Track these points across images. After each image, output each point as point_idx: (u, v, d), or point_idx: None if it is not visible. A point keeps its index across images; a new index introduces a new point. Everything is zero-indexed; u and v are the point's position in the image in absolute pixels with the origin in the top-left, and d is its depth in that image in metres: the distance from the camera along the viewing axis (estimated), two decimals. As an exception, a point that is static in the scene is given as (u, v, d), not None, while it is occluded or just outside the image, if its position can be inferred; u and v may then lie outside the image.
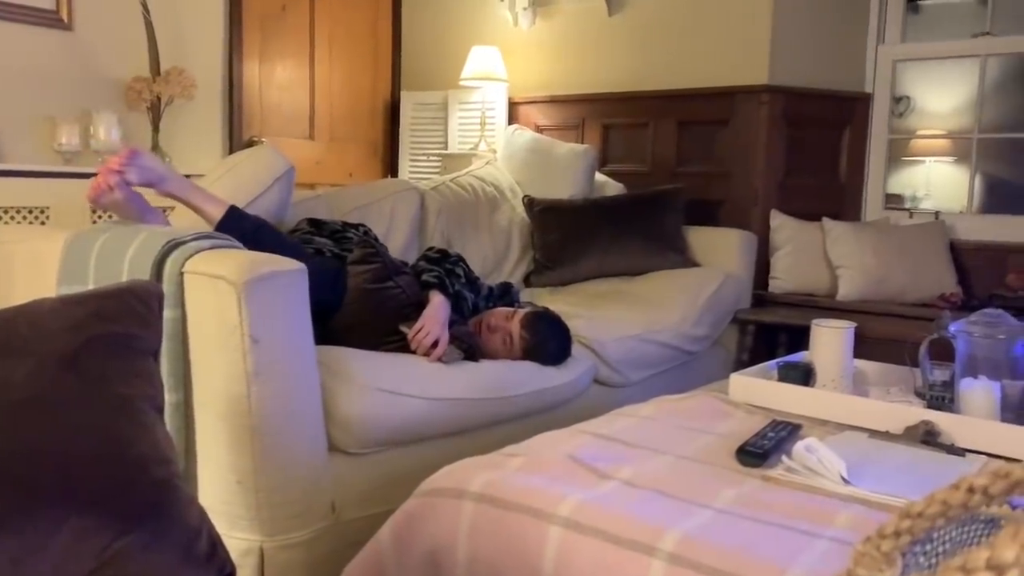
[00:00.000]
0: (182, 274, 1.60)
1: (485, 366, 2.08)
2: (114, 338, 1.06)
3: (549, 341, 2.23)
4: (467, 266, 2.32)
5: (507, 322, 2.20)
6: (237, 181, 2.20)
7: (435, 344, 1.99)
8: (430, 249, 2.35)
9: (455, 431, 1.97)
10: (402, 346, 2.01)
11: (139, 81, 3.65)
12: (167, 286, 1.59)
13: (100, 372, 1.02)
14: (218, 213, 1.98)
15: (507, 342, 2.19)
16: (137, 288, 1.12)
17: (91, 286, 1.69)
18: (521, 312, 2.25)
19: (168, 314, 1.56)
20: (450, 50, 4.30)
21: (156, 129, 3.72)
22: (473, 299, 2.30)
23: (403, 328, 2.02)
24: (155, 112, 3.71)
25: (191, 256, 1.61)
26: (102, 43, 3.61)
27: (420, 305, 2.06)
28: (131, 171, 1.90)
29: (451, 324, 2.09)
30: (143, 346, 1.10)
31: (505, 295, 2.47)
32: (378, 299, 2.02)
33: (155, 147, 3.72)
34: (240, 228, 1.92)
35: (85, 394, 1.00)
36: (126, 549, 0.95)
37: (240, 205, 2.06)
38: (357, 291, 2.02)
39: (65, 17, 3.50)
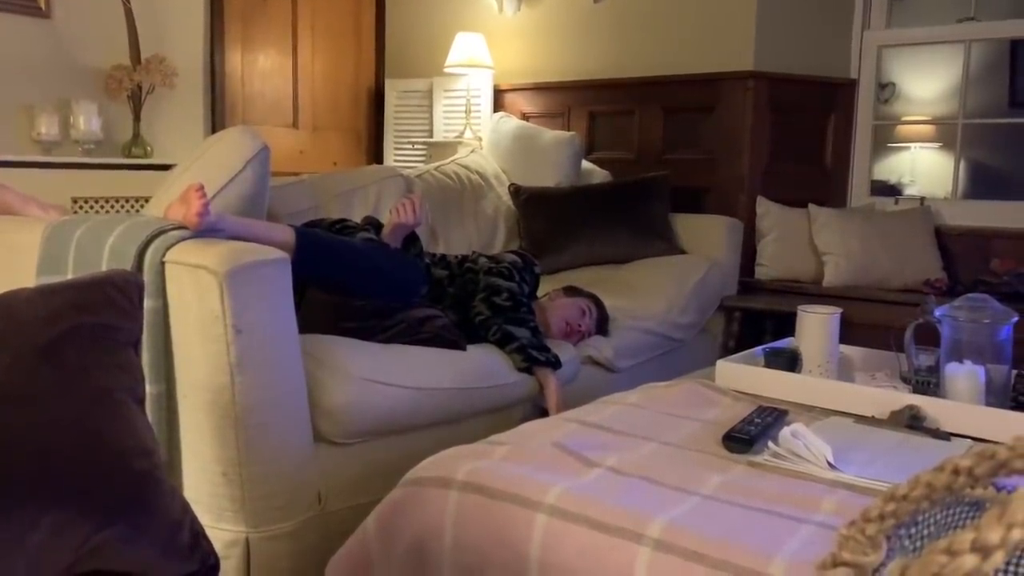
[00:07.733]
0: (163, 263, 1.58)
1: (471, 355, 2.07)
2: (93, 329, 1.04)
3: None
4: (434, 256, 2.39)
5: (582, 317, 2.43)
6: (208, 167, 2.15)
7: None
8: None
9: (442, 421, 1.96)
10: (362, 328, 1.97)
11: (119, 70, 3.60)
12: (148, 276, 1.57)
13: (79, 363, 1.01)
14: (289, 236, 1.92)
15: (582, 333, 2.44)
16: (117, 278, 1.10)
17: (70, 276, 1.67)
18: (581, 300, 2.49)
19: (149, 304, 1.55)
20: (434, 37, 4.27)
21: (137, 118, 3.68)
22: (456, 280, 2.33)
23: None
24: (136, 101, 3.67)
25: (172, 245, 1.60)
26: (81, 31, 3.56)
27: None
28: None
29: (431, 319, 2.06)
30: (123, 337, 1.08)
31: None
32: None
33: (136, 136, 3.68)
34: (315, 239, 1.97)
35: (63, 386, 0.99)
36: (106, 542, 0.94)
37: (212, 191, 1.98)
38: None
39: (43, 5, 3.45)
